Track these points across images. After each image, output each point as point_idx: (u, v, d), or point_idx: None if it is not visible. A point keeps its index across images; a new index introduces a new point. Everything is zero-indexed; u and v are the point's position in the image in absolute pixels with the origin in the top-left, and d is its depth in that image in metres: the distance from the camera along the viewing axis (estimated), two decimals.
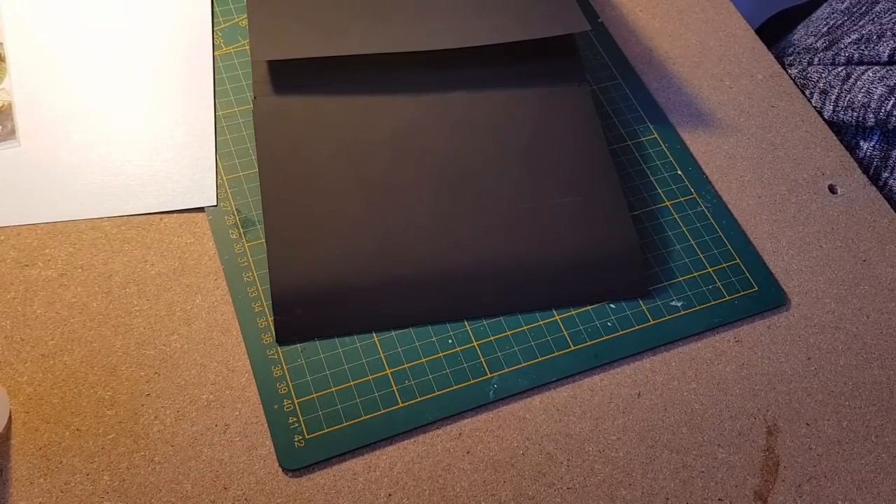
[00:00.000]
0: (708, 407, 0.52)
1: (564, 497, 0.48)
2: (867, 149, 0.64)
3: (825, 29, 0.72)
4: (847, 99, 0.65)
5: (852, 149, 0.65)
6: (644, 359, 0.53)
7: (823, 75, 0.67)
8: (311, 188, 0.55)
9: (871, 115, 0.63)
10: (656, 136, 0.62)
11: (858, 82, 0.64)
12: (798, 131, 0.64)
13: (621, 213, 0.56)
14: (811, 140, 0.64)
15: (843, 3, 0.72)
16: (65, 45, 0.62)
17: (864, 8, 0.69)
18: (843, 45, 0.68)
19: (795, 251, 0.58)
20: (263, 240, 0.55)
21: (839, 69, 0.66)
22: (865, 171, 0.64)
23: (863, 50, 0.65)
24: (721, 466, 0.50)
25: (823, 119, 0.65)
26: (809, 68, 0.69)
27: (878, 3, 0.68)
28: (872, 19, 0.67)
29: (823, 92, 0.66)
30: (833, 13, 0.72)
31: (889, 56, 0.64)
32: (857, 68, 0.65)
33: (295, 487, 0.47)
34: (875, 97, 0.62)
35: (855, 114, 0.64)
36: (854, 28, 0.68)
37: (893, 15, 0.66)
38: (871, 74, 0.64)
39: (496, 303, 0.53)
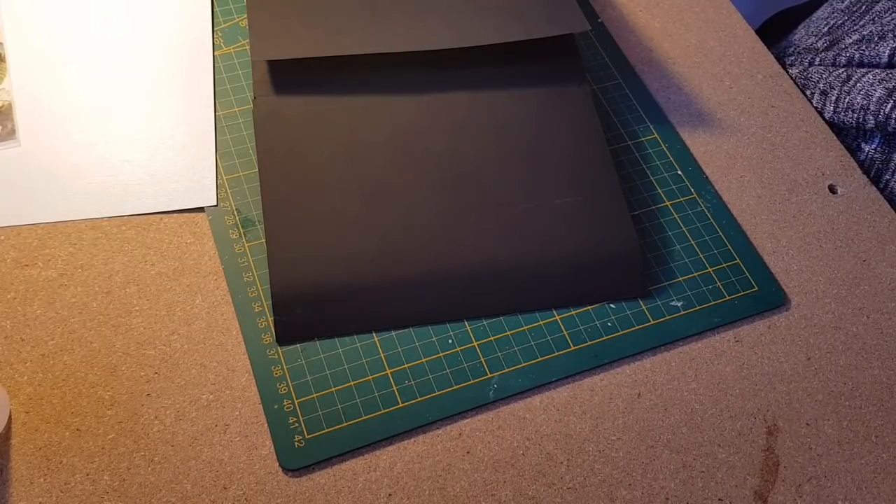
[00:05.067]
0: (708, 407, 0.52)
1: (564, 497, 0.48)
2: (868, 151, 0.64)
3: (825, 28, 0.72)
4: (847, 101, 0.66)
5: (853, 151, 0.65)
6: (644, 359, 0.53)
7: (824, 76, 0.67)
8: (311, 188, 0.55)
9: (870, 118, 0.63)
10: (656, 136, 0.62)
11: (858, 84, 0.64)
12: (798, 131, 0.64)
13: (621, 213, 0.56)
14: (811, 140, 0.64)
15: (843, 2, 0.72)
16: (65, 45, 0.62)
17: (864, 7, 0.69)
18: (843, 45, 0.68)
19: (795, 251, 0.58)
20: (263, 240, 0.55)
21: (840, 70, 0.66)
22: (866, 172, 0.64)
23: (863, 51, 0.65)
24: (721, 466, 0.50)
25: (824, 120, 0.65)
26: (810, 69, 0.69)
27: (878, 2, 0.68)
28: (873, 19, 0.67)
29: (824, 93, 0.66)
30: (833, 12, 0.72)
31: (889, 57, 0.64)
32: (858, 70, 0.65)
33: (295, 487, 0.47)
34: (874, 99, 0.62)
35: (855, 115, 0.64)
36: (855, 28, 0.68)
37: (894, 14, 0.65)
38: (871, 77, 0.64)
39: (496, 303, 0.53)
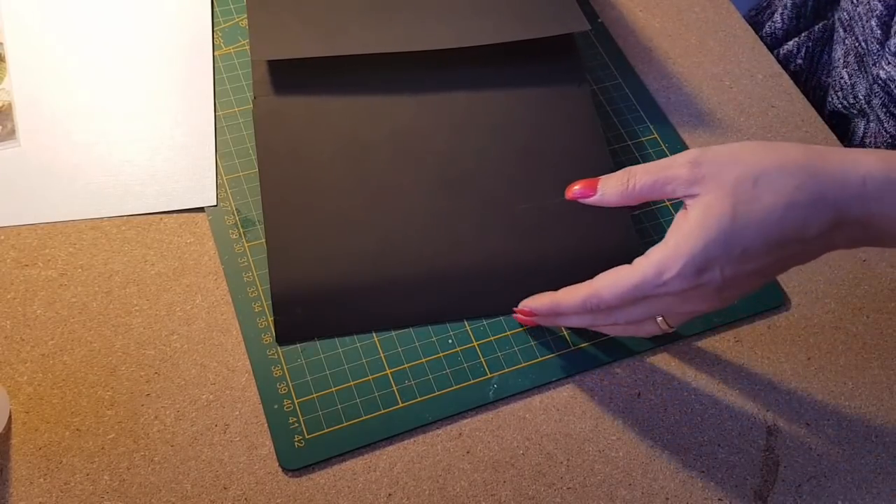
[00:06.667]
0: (708, 407, 0.52)
1: (564, 497, 0.48)
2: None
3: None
4: (814, 81, 0.68)
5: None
6: (644, 359, 0.53)
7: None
8: (311, 188, 0.55)
9: (836, 97, 0.66)
10: (656, 136, 0.62)
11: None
12: (798, 131, 0.64)
13: (621, 213, 0.56)
14: (811, 140, 0.64)
15: None
16: (65, 45, 0.62)
17: None
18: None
19: None
20: (263, 240, 0.55)
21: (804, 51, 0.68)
22: None
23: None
24: (721, 466, 0.50)
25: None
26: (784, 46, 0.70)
27: None
28: None
29: (795, 74, 0.68)
30: None
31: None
32: (824, 52, 0.68)
33: (295, 487, 0.47)
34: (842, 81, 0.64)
35: (821, 93, 0.68)
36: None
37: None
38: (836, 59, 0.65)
39: (496, 303, 0.53)
